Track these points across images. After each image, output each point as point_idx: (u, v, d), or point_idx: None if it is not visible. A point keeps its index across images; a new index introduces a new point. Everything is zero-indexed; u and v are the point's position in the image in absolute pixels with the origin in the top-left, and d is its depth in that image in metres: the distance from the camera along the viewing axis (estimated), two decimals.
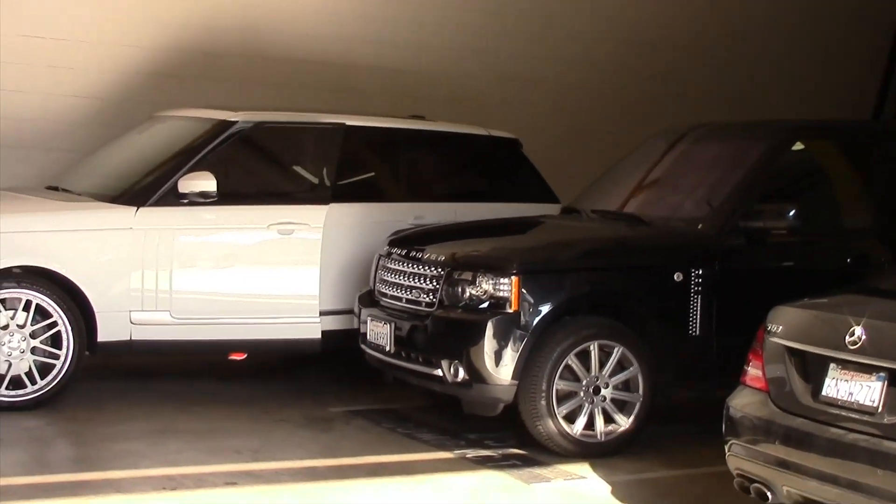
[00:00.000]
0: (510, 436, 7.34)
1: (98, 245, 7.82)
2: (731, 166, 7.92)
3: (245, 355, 8.06)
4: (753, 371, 5.64)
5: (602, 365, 7.03)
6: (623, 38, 12.86)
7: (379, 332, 7.54)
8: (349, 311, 8.33)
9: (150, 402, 7.88)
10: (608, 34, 12.82)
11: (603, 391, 7.03)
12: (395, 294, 7.60)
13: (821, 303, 5.66)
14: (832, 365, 5.22)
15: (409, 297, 7.46)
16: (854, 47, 13.96)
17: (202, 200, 8.02)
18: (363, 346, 7.80)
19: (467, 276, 7.12)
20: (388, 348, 7.44)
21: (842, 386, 5.18)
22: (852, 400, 5.11)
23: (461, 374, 6.99)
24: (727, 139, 8.35)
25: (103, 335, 7.79)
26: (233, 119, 8.50)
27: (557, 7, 12.60)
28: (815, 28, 13.86)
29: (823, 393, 5.23)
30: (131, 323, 7.86)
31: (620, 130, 11.82)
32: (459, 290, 7.14)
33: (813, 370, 5.31)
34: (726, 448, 5.55)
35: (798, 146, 8.07)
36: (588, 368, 7.00)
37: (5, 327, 7.54)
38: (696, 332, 7.23)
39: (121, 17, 10.58)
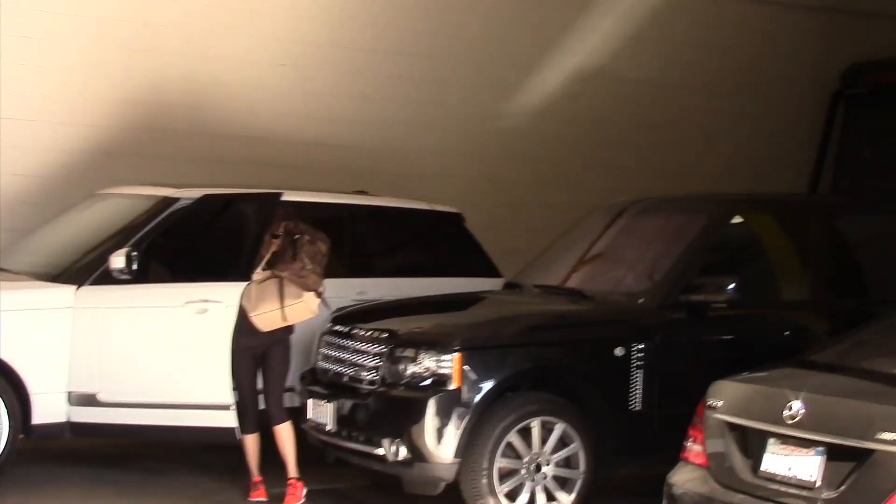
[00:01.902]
0: None
1: (36, 325, 7.69)
2: (671, 240, 7.96)
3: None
4: (694, 447, 5.64)
5: (544, 442, 6.98)
6: (568, 112, 13.00)
7: (320, 410, 7.46)
8: (289, 390, 8.24)
9: (86, 487, 7.72)
10: (553, 109, 12.96)
11: (544, 468, 6.98)
12: (337, 371, 7.54)
13: (760, 377, 5.68)
14: (771, 440, 5.23)
15: (351, 374, 7.40)
16: (790, 119, 14.17)
17: (123, 277, 7.81)
18: (304, 426, 7.71)
19: (409, 353, 7.08)
20: (329, 427, 7.37)
21: (781, 461, 5.18)
22: (791, 474, 5.11)
23: (402, 452, 6.92)
24: (668, 213, 8.41)
25: (38, 417, 7.65)
26: (177, 196, 8.43)
27: (505, 82, 12.72)
28: (750, 100, 14.06)
29: (763, 468, 5.23)
30: (69, 404, 7.72)
31: (563, 204, 11.89)
32: (401, 367, 7.09)
33: (753, 445, 5.32)
34: None
35: (737, 219, 8.14)
36: (530, 445, 6.96)
37: None
38: (637, 406, 7.21)
39: (63, 94, 10.56)
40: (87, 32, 10.65)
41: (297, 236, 7.48)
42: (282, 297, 7.39)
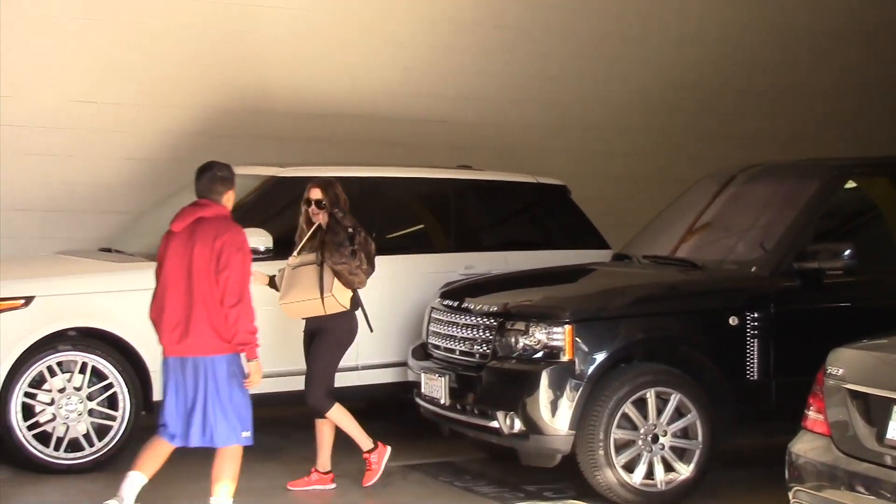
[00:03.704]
0: (569, 486, 7.27)
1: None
2: (783, 207, 7.85)
3: None
4: (814, 415, 5.55)
5: (659, 412, 6.95)
6: (672, 81, 12.87)
7: (433, 384, 7.51)
8: (401, 364, 8.31)
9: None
10: (656, 78, 12.85)
11: (661, 439, 6.95)
12: (449, 346, 7.58)
13: (881, 344, 5.58)
14: None
15: (463, 348, 7.43)
16: None
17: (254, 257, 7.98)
18: (418, 399, 7.77)
19: (520, 326, 7.09)
20: (442, 401, 7.41)
21: None
22: None
23: (517, 425, 6.93)
24: (779, 179, 8.29)
25: (159, 394, 7.78)
26: (281, 175, 8.54)
27: (605, 52, 12.63)
28: (866, 64, 13.77)
29: (889, 436, 5.13)
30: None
31: (670, 174, 11.80)
32: (513, 340, 7.10)
33: (877, 413, 5.22)
34: (790, 495, 5.45)
35: (851, 184, 7.98)
36: (645, 416, 6.93)
37: (62, 390, 7.58)
38: (753, 376, 7.14)
39: (170, 78, 10.71)
40: (192, 17, 10.79)
41: (351, 228, 7.14)
42: (321, 286, 7.07)
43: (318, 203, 7.27)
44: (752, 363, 7.13)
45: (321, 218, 7.27)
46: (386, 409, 8.99)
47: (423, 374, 7.68)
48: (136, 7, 10.57)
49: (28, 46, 10.17)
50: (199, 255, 6.08)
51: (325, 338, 7.26)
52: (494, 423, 7.04)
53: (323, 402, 7.24)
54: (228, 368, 6.11)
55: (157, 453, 6.29)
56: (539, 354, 6.98)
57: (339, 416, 7.29)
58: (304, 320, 7.35)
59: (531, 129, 12.20)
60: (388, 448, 7.45)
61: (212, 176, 6.31)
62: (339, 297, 7.14)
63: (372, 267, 7.23)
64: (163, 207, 9.23)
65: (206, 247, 6.07)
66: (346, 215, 7.25)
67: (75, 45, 10.36)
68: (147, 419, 7.75)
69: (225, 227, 6.15)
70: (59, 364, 7.60)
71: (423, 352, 7.90)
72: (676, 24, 13.03)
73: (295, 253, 7.29)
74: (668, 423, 6.96)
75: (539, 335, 6.99)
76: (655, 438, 6.94)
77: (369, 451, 7.40)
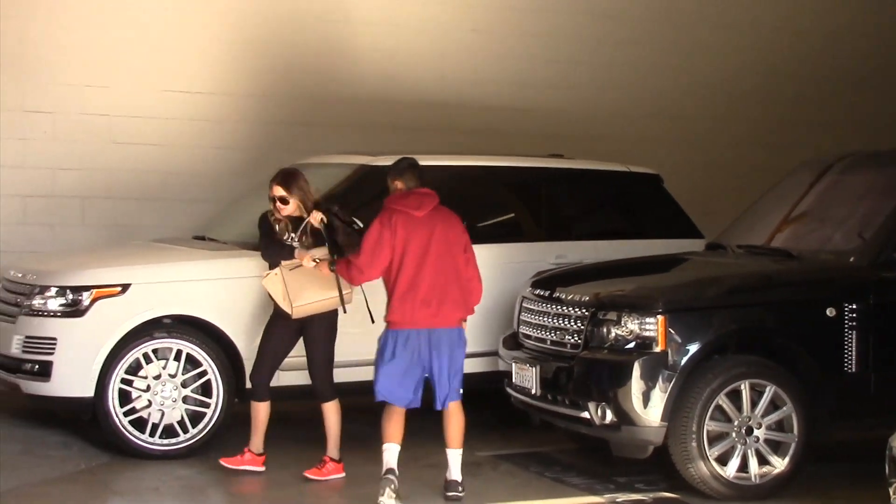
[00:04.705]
0: (661, 478, 7.21)
1: (245, 292, 7.90)
2: (882, 196, 7.70)
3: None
4: None
5: (754, 404, 6.86)
6: (764, 69, 12.69)
7: (524, 374, 7.49)
8: (492, 353, 8.29)
9: (299, 448, 7.92)
10: (748, 66, 12.66)
11: (756, 432, 6.85)
12: (539, 336, 7.54)
13: None
14: None
15: (554, 338, 7.40)
16: None
17: None
18: (508, 389, 7.75)
19: (612, 316, 7.03)
20: (533, 391, 7.38)
21: None
22: None
23: (609, 416, 6.88)
24: (878, 168, 8.12)
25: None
26: (373, 164, 8.57)
27: (696, 41, 12.48)
28: None
29: None
30: (279, 370, 7.92)
31: (763, 163, 11.64)
32: (605, 330, 7.05)
33: None
34: (890, 491, 5.35)
35: None
36: (739, 408, 6.84)
37: (157, 377, 7.68)
38: (851, 368, 7.00)
39: (260, 68, 10.81)
40: (281, 6, 10.87)
41: (351, 222, 7.17)
42: (339, 283, 7.07)
43: (283, 200, 7.30)
44: (850, 355, 7.00)
45: (286, 213, 7.27)
46: (475, 398, 8.96)
47: (513, 364, 7.65)
48: None
49: (122, 38, 10.34)
50: (446, 237, 6.84)
51: (322, 326, 7.27)
52: (585, 414, 7.00)
53: (331, 390, 7.31)
54: (462, 337, 6.92)
55: (399, 421, 6.86)
56: (631, 345, 6.92)
57: (333, 410, 7.34)
58: (273, 305, 7.30)
59: (620, 118, 12.11)
60: (343, 474, 7.36)
61: (421, 169, 7.03)
62: (349, 291, 7.19)
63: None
64: (254, 196, 9.31)
65: (451, 230, 6.87)
66: (341, 210, 7.29)
67: (169, 36, 10.51)
68: (240, 406, 7.84)
69: (453, 213, 6.99)
70: (155, 351, 7.70)
71: (513, 341, 7.88)
72: (771, 10, 12.82)
73: (312, 252, 7.19)
74: (763, 416, 6.86)
75: (631, 325, 6.93)
76: (750, 431, 6.85)
77: (332, 459, 7.36)
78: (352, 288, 7.15)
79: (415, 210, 6.81)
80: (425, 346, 6.79)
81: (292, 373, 7.67)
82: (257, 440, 7.43)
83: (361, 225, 7.23)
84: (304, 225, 7.27)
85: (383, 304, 6.96)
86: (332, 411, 7.35)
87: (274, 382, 7.51)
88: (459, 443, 6.94)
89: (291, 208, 7.32)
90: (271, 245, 7.36)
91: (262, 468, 7.42)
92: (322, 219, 7.20)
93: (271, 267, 7.29)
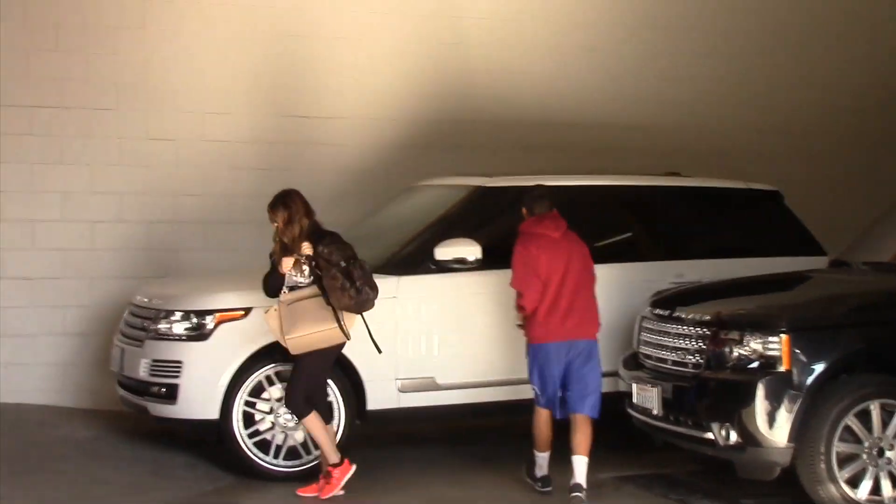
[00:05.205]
0: (788, 501, 7.06)
1: (366, 315, 7.96)
2: None
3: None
4: None
5: (885, 425, 6.69)
6: (888, 84, 12.39)
7: (645, 395, 7.42)
8: (612, 374, 8.23)
9: (420, 470, 7.95)
10: (868, 80, 12.39)
11: (888, 453, 6.70)
12: (660, 356, 7.47)
13: None
14: None
15: (675, 358, 7.32)
16: None
17: (459, 267, 8.09)
18: (630, 410, 7.68)
19: (734, 335, 6.93)
20: (655, 411, 7.31)
21: None
22: None
23: (733, 437, 6.78)
24: None
25: (372, 403, 7.93)
26: (488, 185, 8.58)
27: (817, 56, 12.27)
28: None
29: None
30: (399, 391, 7.98)
31: (887, 178, 11.36)
32: (727, 350, 6.95)
33: None
34: None
35: None
36: (870, 429, 6.69)
37: (280, 399, 7.76)
38: None
39: (376, 91, 10.91)
40: (397, 30, 10.97)
41: (343, 263, 7.20)
42: (337, 316, 7.21)
43: (272, 220, 7.38)
44: None
45: (282, 233, 7.33)
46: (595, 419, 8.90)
47: (634, 384, 7.59)
48: (344, 25, 10.80)
49: (240, 65, 10.51)
50: (578, 256, 7.40)
51: (318, 357, 7.32)
52: (709, 435, 6.91)
53: (302, 407, 7.30)
54: (597, 348, 7.40)
55: (550, 427, 7.43)
56: (754, 364, 6.82)
57: (313, 423, 7.32)
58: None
59: (734, 133, 11.95)
60: (353, 466, 7.36)
61: (550, 197, 7.56)
62: (349, 323, 7.29)
63: (375, 289, 7.29)
64: (373, 218, 9.40)
65: (580, 250, 7.43)
66: (333, 249, 7.27)
67: (284, 62, 10.65)
68: (361, 428, 7.90)
69: (577, 235, 7.52)
70: (278, 374, 7.79)
71: (634, 361, 7.81)
72: (893, 24, 12.54)
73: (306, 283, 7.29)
74: (895, 437, 6.69)
75: (754, 345, 6.83)
76: (881, 452, 6.69)
77: (334, 466, 7.34)
78: (350, 318, 7.26)
79: (553, 232, 7.35)
80: (562, 356, 7.29)
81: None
82: (328, 452, 7.39)
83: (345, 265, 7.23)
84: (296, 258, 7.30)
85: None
86: (311, 426, 7.34)
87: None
88: (586, 450, 7.21)
89: (283, 229, 7.33)
90: (269, 278, 7.41)
91: (353, 466, 7.40)
92: (307, 255, 7.26)
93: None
